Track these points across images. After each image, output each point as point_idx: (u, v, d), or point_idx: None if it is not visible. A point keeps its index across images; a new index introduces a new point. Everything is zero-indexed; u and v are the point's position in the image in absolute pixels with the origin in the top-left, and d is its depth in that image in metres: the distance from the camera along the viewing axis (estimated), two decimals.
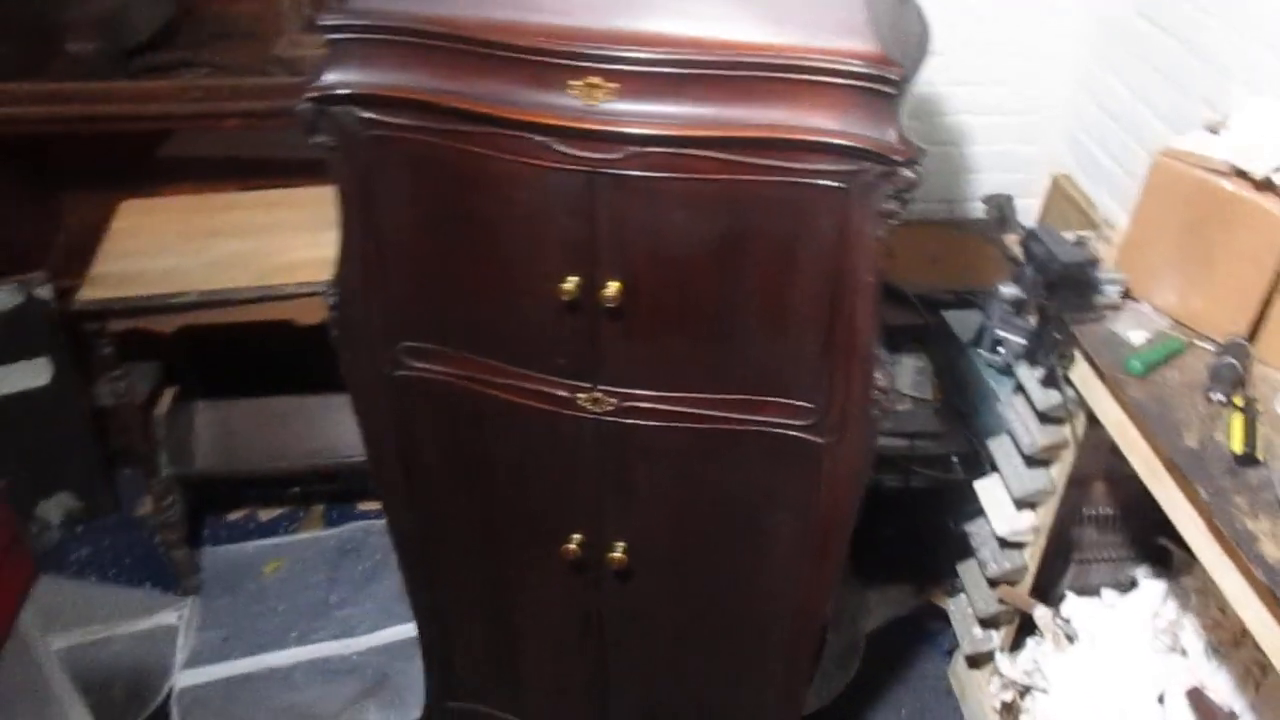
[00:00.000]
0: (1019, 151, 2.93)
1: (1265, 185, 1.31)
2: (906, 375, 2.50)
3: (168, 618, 2.35)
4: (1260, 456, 1.25)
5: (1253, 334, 1.41)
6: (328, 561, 2.51)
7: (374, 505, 2.62)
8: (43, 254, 2.45)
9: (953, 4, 2.63)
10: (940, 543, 2.33)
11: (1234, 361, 1.35)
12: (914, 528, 2.48)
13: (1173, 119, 2.32)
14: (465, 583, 1.73)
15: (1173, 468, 1.29)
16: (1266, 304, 1.37)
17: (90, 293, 1.95)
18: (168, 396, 2.37)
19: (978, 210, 2.96)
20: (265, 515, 2.64)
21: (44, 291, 2.29)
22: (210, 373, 2.58)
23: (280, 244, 2.11)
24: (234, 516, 2.63)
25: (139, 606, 2.38)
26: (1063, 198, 2.83)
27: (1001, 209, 2.93)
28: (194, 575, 2.42)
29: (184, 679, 2.22)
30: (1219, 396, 1.31)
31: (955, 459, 2.37)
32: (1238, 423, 1.28)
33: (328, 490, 2.65)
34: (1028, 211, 2.97)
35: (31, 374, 2.36)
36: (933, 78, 2.77)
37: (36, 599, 2.30)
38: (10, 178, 2.44)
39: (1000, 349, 2.07)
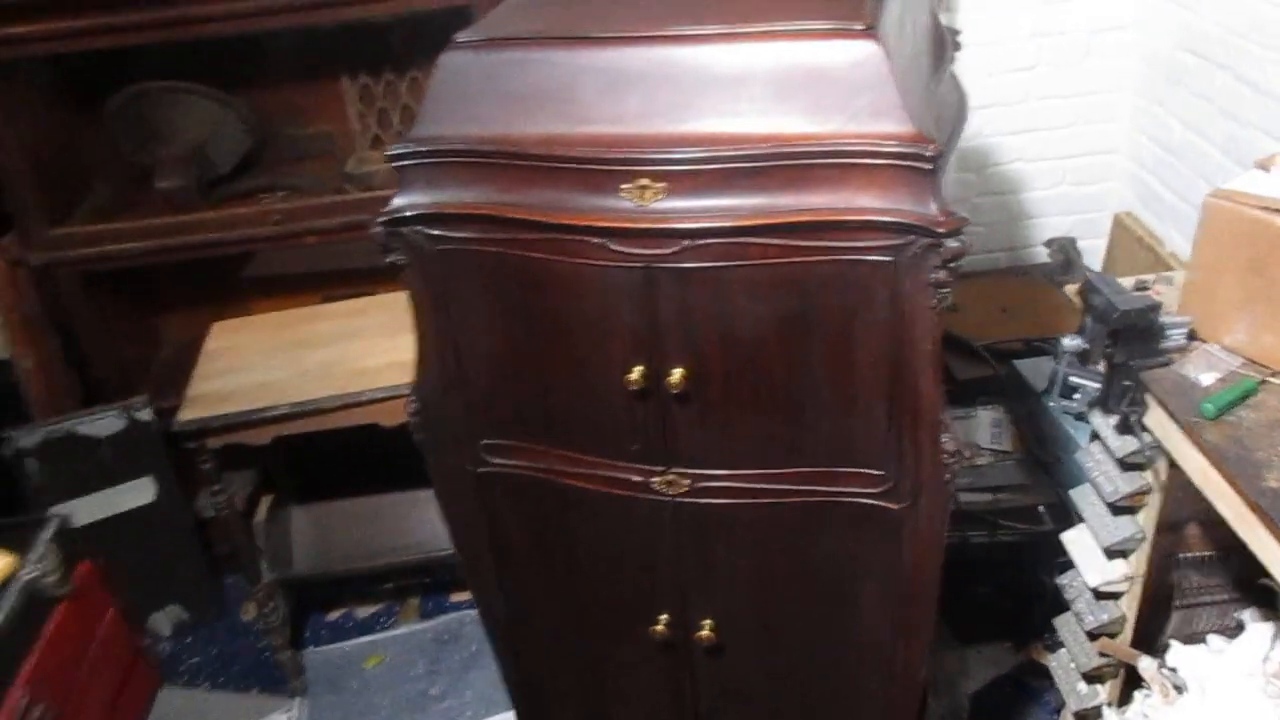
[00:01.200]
0: (1078, 193, 2.94)
1: None
2: (984, 429, 2.48)
3: None
4: None
5: None
6: (426, 653, 2.56)
7: (467, 595, 2.67)
8: (143, 377, 2.61)
9: (996, 58, 2.68)
10: (1036, 597, 2.29)
11: None
12: (1007, 583, 2.44)
13: (1231, 150, 2.31)
14: (559, 667, 1.76)
15: (1258, 510, 1.27)
16: None
17: (189, 413, 2.07)
18: (265, 504, 2.47)
19: (1042, 255, 2.96)
20: (362, 612, 2.71)
21: (145, 414, 2.43)
22: (304, 476, 2.69)
23: (362, 350, 2.21)
24: (333, 616, 2.71)
25: (250, 711, 2.45)
26: (1128, 236, 2.81)
27: (1066, 251, 2.93)
28: (299, 676, 2.49)
29: None
30: None
31: (1042, 510, 2.34)
32: None
33: (421, 583, 2.72)
34: (1093, 252, 2.96)
35: (137, 493, 2.49)
36: (982, 129, 2.80)
37: (154, 709, 2.41)
38: (114, 307, 2.62)
39: (1076, 396, 2.05)
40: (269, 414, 2.05)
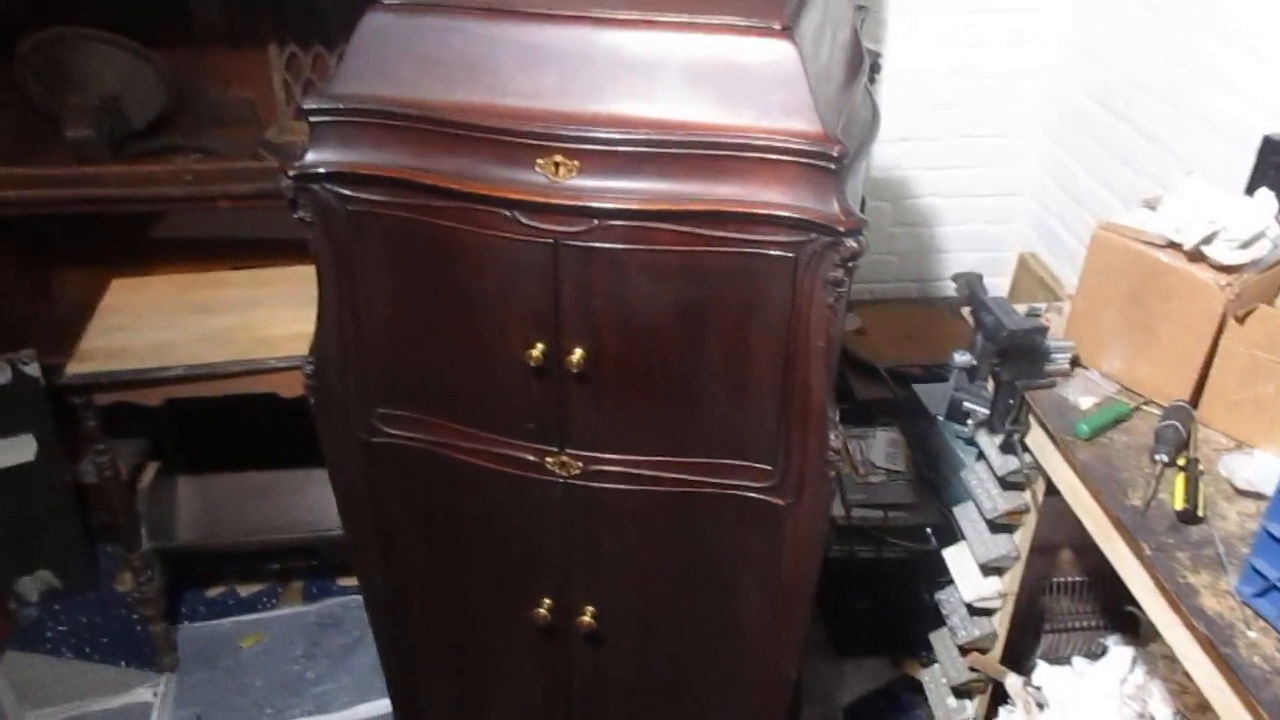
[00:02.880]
0: (987, 231, 3.04)
1: (1196, 256, 1.39)
2: (880, 448, 2.54)
3: (143, 694, 2.35)
4: (1201, 514, 1.29)
5: (1195, 398, 1.46)
6: (306, 637, 2.51)
7: (353, 580, 2.63)
8: (33, 331, 2.51)
9: (918, 93, 2.76)
10: (915, 614, 2.35)
11: (1177, 424, 1.40)
12: (889, 600, 2.49)
13: (1128, 198, 2.42)
14: (438, 650, 1.75)
15: (1119, 526, 1.33)
16: (1206, 369, 1.43)
17: (77, 366, 2.00)
18: (150, 470, 2.40)
19: (949, 289, 3.05)
20: (244, 591, 2.64)
21: (32, 369, 2.34)
22: (195, 447, 2.61)
23: (266, 319, 2.17)
24: (213, 592, 2.64)
25: (114, 683, 2.37)
26: (1030, 275, 2.92)
27: (971, 287, 3.02)
28: (171, 651, 2.42)
29: None
30: (1162, 457, 1.36)
31: (929, 530, 2.41)
32: (1180, 482, 1.32)
33: (307, 566, 2.67)
34: (998, 289, 3.06)
35: (16, 450, 2.39)
36: (902, 161, 2.88)
37: (11, 675, 2.31)
38: (6, 257, 2.51)
39: (969, 421, 2.11)
40: (163, 374, 2.00)
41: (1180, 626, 1.21)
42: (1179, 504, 1.29)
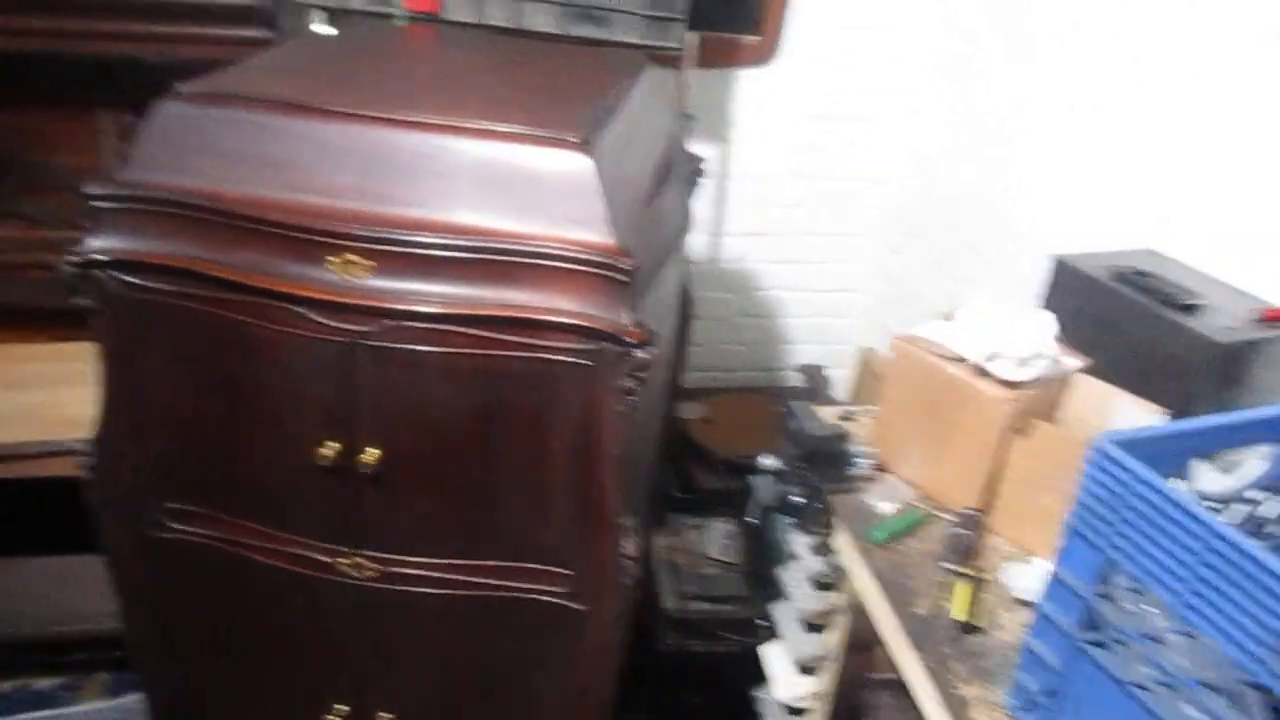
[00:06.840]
0: (830, 325, 3.14)
1: (981, 371, 1.45)
2: (716, 540, 2.56)
3: None
4: (982, 624, 1.33)
5: (987, 506, 1.52)
6: None
7: None
8: None
9: (764, 192, 2.86)
10: (748, 712, 2.34)
11: (966, 531, 1.45)
12: (722, 696, 2.48)
13: (952, 302, 2.54)
14: None
15: (906, 633, 1.35)
16: (993, 478, 1.49)
17: None
18: None
19: (796, 379, 3.13)
20: (41, 684, 2.45)
21: None
22: None
23: (77, 397, 2.03)
24: (4, 687, 2.43)
25: None
26: (868, 370, 3.01)
27: (814, 378, 3.12)
28: None
29: None
30: (949, 565, 1.40)
31: (760, 623, 2.41)
32: (963, 591, 1.36)
33: (111, 658, 2.49)
34: (841, 381, 3.16)
35: None
36: (749, 254, 2.96)
37: None
38: None
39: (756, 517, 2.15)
40: None
41: None
42: (960, 614, 1.33)
